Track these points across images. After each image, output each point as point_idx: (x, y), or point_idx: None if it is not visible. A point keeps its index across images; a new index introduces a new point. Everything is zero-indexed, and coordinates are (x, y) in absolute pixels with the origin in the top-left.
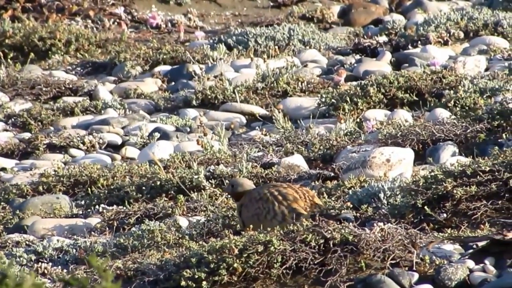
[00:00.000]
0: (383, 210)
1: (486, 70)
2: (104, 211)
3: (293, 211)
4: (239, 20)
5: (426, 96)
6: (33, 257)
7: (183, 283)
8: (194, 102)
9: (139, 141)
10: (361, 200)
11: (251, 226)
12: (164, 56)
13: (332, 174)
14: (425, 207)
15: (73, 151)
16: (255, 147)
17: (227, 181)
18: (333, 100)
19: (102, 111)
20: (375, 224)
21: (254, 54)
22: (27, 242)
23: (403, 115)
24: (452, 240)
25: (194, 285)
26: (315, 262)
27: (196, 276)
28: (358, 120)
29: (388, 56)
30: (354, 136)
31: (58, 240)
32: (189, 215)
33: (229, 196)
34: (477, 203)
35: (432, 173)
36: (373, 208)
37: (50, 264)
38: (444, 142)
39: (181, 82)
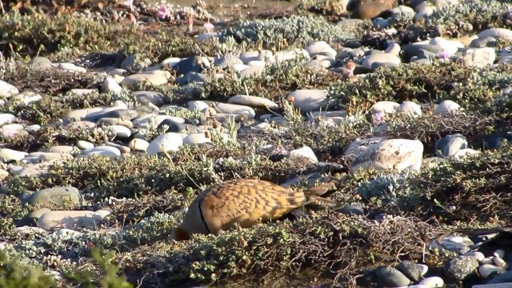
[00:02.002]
0: (392, 203)
1: (495, 62)
2: (114, 203)
3: (282, 193)
4: (248, 12)
5: (435, 88)
6: (43, 250)
7: (192, 275)
8: (203, 94)
9: (148, 133)
10: (370, 193)
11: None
12: (173, 49)
13: (341, 166)
14: (434, 199)
15: (82, 143)
16: (264, 139)
17: (236, 174)
18: (342, 93)
19: (111, 103)
20: (384, 217)
21: (263, 46)
22: (36, 235)
23: (412, 107)
24: (461, 233)
25: (203, 277)
26: (325, 255)
27: (205, 269)
28: (367, 112)
29: (397, 48)
30: (363, 129)
31: (67, 233)
32: None
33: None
34: (486, 195)
35: (441, 166)
36: (382, 201)
37: (60, 256)
38: (453, 134)
39: (190, 74)
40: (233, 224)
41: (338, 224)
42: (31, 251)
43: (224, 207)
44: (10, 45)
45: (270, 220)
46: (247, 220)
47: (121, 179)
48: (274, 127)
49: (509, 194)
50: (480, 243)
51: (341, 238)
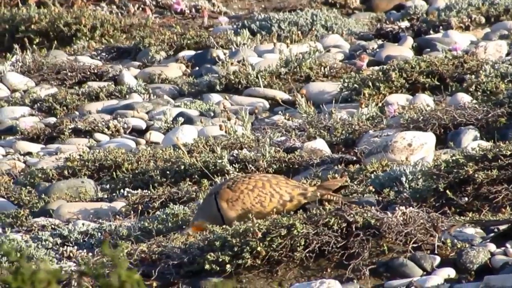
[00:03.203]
0: (405, 194)
1: (507, 55)
2: (129, 195)
3: (296, 188)
4: (262, 6)
5: (447, 81)
6: (59, 241)
7: (207, 266)
8: (217, 87)
9: (163, 125)
10: (383, 184)
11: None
12: (188, 41)
13: (354, 158)
14: (447, 191)
15: (98, 135)
16: (278, 131)
17: (250, 166)
18: (355, 85)
19: (127, 96)
20: (397, 208)
21: (277, 39)
22: (52, 226)
23: (425, 100)
24: (473, 224)
25: (218, 268)
26: (338, 246)
27: (220, 260)
28: (380, 104)
29: (410, 41)
30: (376, 121)
31: (83, 224)
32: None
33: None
34: (498, 187)
35: (454, 157)
36: (395, 192)
37: (76, 247)
38: (466, 127)
39: (205, 67)
40: (248, 216)
41: (351, 215)
42: (47, 242)
43: (239, 201)
44: (27, 38)
45: (284, 212)
46: (261, 213)
47: (137, 171)
48: (288, 120)
49: None
50: (492, 234)
51: (354, 229)
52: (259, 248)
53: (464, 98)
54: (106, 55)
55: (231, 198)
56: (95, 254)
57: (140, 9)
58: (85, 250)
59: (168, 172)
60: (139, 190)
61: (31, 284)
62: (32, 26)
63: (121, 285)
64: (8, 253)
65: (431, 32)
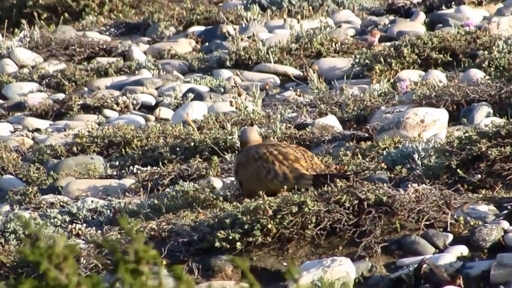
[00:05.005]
0: (417, 171)
1: None
2: (138, 172)
3: (295, 171)
4: None
5: (460, 57)
6: (67, 218)
7: (217, 244)
8: (228, 63)
9: (173, 102)
10: (395, 161)
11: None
12: (198, 17)
13: (366, 135)
14: (459, 168)
15: (107, 111)
16: (289, 107)
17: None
18: (367, 61)
19: (136, 72)
20: (409, 185)
21: (288, 14)
22: (61, 203)
23: (437, 76)
24: (486, 201)
25: (228, 246)
26: (349, 223)
27: (230, 237)
28: (392, 80)
29: (422, 16)
30: (388, 97)
31: (92, 201)
32: (223, 176)
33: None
34: (511, 163)
35: (467, 134)
36: (408, 169)
37: (84, 225)
38: (478, 103)
39: (215, 43)
40: (252, 188)
41: (363, 192)
42: (56, 219)
43: (243, 167)
44: (35, 13)
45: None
46: (259, 187)
47: (146, 148)
48: (299, 96)
49: None
50: (505, 211)
51: (366, 206)
52: (269, 226)
53: (477, 74)
54: (115, 31)
55: (241, 163)
56: (105, 232)
57: None
58: (94, 228)
59: (177, 148)
60: (149, 167)
61: (48, 258)
62: (40, 1)
63: (137, 260)
64: (27, 225)
65: (443, 7)
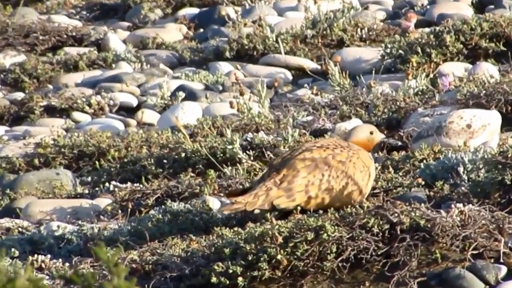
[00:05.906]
0: (462, 188)
1: None
2: (116, 189)
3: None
4: None
5: None
6: (28, 248)
7: (214, 279)
8: (227, 54)
9: (159, 102)
10: (435, 176)
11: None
12: None
13: (400, 143)
14: None
15: (77, 115)
16: (304, 109)
17: (268, 152)
18: (400, 51)
19: (113, 65)
20: (453, 206)
21: None
22: (20, 229)
23: (488, 69)
24: None
25: (227, 281)
26: (379, 253)
27: (230, 271)
28: (431, 76)
29: None
30: (426, 96)
31: (58, 227)
32: (221, 194)
33: None
34: None
35: None
36: (451, 186)
37: (49, 256)
38: None
39: (211, 29)
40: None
41: (396, 215)
42: (13, 249)
43: None
44: None
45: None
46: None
47: (126, 160)
48: (316, 95)
49: None
50: None
51: (399, 232)
52: (279, 257)
53: None
54: (87, 14)
55: None
56: (74, 264)
57: None
58: (60, 260)
59: (165, 161)
60: (129, 184)
61: None
62: None
63: None
64: None
65: None
